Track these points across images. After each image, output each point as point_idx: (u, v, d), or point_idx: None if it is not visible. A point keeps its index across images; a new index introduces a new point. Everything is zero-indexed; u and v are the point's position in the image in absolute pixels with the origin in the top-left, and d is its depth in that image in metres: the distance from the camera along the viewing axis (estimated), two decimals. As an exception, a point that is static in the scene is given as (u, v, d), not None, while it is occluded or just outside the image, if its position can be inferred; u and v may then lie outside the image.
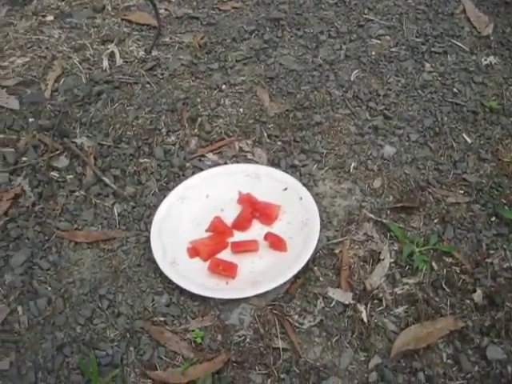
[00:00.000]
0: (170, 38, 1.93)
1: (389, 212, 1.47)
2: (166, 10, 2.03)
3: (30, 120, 1.71)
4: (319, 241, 1.40)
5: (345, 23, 1.95)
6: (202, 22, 1.99)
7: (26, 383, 1.24)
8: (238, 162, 1.59)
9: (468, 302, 1.33)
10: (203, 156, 1.61)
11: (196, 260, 1.40)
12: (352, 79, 1.77)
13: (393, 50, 1.85)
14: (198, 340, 1.28)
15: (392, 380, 1.23)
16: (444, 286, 1.35)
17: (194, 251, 1.41)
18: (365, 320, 1.30)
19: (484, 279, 1.36)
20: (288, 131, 1.65)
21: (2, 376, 1.25)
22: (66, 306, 1.35)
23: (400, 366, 1.25)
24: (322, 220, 1.44)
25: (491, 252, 1.40)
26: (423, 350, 1.26)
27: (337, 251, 1.41)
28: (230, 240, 1.43)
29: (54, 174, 1.59)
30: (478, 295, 1.34)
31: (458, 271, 1.38)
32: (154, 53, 1.89)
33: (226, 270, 1.36)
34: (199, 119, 1.69)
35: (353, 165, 1.57)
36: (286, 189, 1.50)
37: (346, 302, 1.33)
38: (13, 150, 1.63)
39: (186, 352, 1.27)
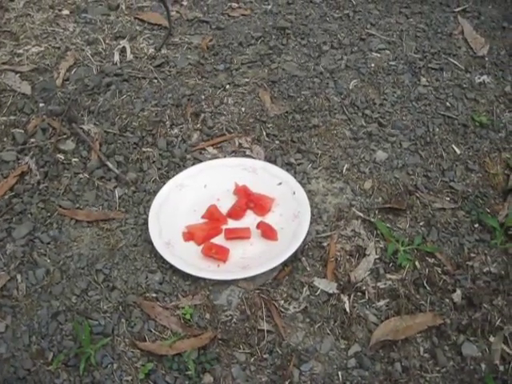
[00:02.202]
0: (180, 39, 2.02)
1: (377, 212, 1.54)
2: (177, 12, 2.12)
3: (41, 105, 1.79)
4: (309, 233, 1.47)
5: (347, 36, 2.04)
6: (211, 25, 2.07)
7: (20, 345, 1.30)
8: (236, 157, 1.66)
9: (447, 301, 1.39)
10: (204, 149, 1.69)
11: (190, 244, 1.47)
12: (350, 88, 1.85)
13: (391, 63, 1.93)
14: (187, 317, 1.34)
15: (370, 367, 1.28)
16: (425, 284, 1.41)
17: (189, 235, 1.48)
18: (347, 310, 1.36)
19: (464, 281, 1.42)
20: (286, 131, 1.73)
21: (-3, 338, 1.32)
22: (63, 277, 1.41)
23: (378, 355, 1.31)
24: (312, 215, 1.50)
25: (472, 256, 1.47)
26: (401, 342, 1.32)
27: (325, 244, 1.47)
28: (224, 227, 1.50)
29: (60, 156, 1.66)
30: (457, 295, 1.40)
31: (440, 272, 1.44)
32: (164, 51, 1.97)
33: (219, 254, 1.43)
34: (202, 115, 1.77)
35: (346, 166, 1.64)
36: (280, 183, 1.57)
37: (331, 292, 1.39)
38: (22, 131, 1.71)
39: (174, 327, 1.33)
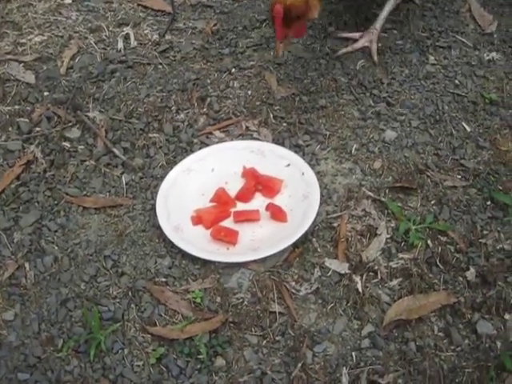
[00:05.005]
0: (184, 24, 2.00)
1: (387, 191, 1.52)
2: (181, -3, 2.10)
3: (45, 94, 1.78)
4: (319, 214, 1.45)
5: (353, 17, 2.01)
6: (215, 10, 2.05)
7: (30, 333, 1.30)
8: (243, 140, 1.64)
9: (461, 279, 1.37)
10: (210, 133, 1.67)
11: (199, 227, 1.46)
12: (357, 68, 1.83)
13: (398, 42, 1.91)
14: (198, 300, 1.33)
15: (384, 347, 1.27)
16: (438, 262, 1.40)
17: (197, 219, 1.46)
18: (360, 290, 1.35)
19: (477, 258, 1.40)
20: (293, 113, 1.71)
21: (6, 326, 1.31)
22: (72, 264, 1.40)
23: (392, 335, 1.29)
24: (322, 196, 1.49)
25: (485, 233, 1.45)
26: (415, 321, 1.31)
27: (335, 225, 1.46)
28: (233, 210, 1.48)
29: (66, 143, 1.65)
30: (470, 273, 1.38)
31: (453, 250, 1.42)
32: (168, 37, 1.96)
33: (228, 237, 1.42)
34: (208, 99, 1.75)
35: (354, 146, 1.62)
36: (288, 165, 1.55)
37: (342, 272, 1.37)
38: (27, 120, 1.70)
39: (185, 311, 1.32)
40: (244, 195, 1.51)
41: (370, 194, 1.51)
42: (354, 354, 1.27)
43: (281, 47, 1.59)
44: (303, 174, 1.52)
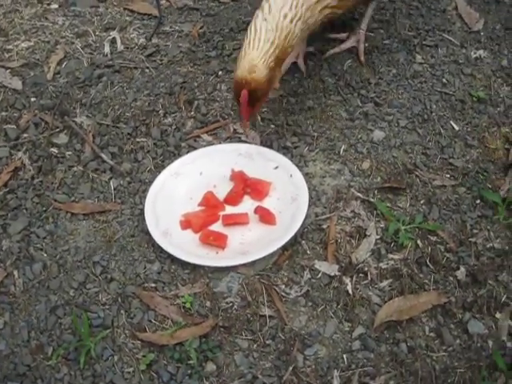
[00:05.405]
0: (170, 27, 1.99)
1: (376, 192, 1.52)
2: (167, 1, 2.09)
3: (32, 99, 1.77)
4: (308, 216, 1.45)
5: (340, 17, 2.00)
6: (201, 13, 2.04)
7: (19, 341, 1.29)
8: (231, 143, 1.64)
9: (451, 278, 1.37)
10: (198, 137, 1.66)
11: (188, 232, 1.45)
12: (345, 68, 1.82)
13: (385, 42, 1.90)
14: (187, 305, 1.32)
15: (375, 349, 1.27)
16: (428, 262, 1.40)
17: (186, 223, 1.46)
18: (350, 292, 1.35)
19: (467, 258, 1.40)
20: (281, 115, 1.70)
21: (-5, 334, 1.30)
22: (61, 271, 1.40)
23: (383, 336, 1.29)
24: (310, 197, 1.49)
25: (475, 232, 1.45)
26: (406, 322, 1.31)
27: (324, 226, 1.45)
28: (222, 213, 1.48)
29: (54, 149, 1.64)
30: (461, 273, 1.38)
31: (443, 249, 1.42)
32: (154, 40, 1.95)
33: (217, 240, 1.41)
34: (196, 102, 1.74)
35: (343, 147, 1.62)
36: (276, 167, 1.55)
37: (332, 274, 1.37)
38: (14, 126, 1.70)
39: (175, 316, 1.31)
40: (232, 198, 1.50)
41: (359, 194, 1.51)
42: (345, 356, 1.26)
43: (247, 125, 1.56)
44: (291, 176, 1.52)
